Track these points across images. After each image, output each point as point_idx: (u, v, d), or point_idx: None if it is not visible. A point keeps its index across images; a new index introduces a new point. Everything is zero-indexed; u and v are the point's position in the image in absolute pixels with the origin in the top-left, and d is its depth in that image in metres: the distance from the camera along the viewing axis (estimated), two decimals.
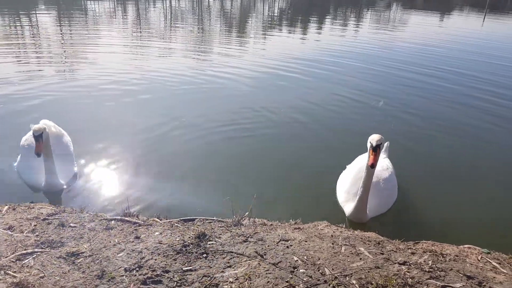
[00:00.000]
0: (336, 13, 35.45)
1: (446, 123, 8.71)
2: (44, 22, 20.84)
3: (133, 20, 25.06)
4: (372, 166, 4.63)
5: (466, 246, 4.27)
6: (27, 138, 5.81)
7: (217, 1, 41.69)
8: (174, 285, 3.06)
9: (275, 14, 33.94)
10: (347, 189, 5.32)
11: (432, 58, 15.58)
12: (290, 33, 22.34)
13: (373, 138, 4.71)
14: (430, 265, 3.54)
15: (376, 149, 4.65)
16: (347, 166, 5.91)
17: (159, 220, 4.26)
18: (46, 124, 5.93)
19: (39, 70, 11.36)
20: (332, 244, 3.79)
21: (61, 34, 17.85)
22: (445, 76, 12.69)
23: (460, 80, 12.37)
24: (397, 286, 3.12)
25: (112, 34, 18.74)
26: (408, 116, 8.98)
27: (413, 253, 3.78)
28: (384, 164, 5.60)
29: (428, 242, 4.33)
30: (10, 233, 3.72)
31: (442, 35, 22.79)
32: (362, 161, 5.60)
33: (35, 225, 3.89)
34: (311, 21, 28.68)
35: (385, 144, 6.08)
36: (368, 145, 4.71)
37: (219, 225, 4.18)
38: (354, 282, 3.18)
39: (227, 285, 3.07)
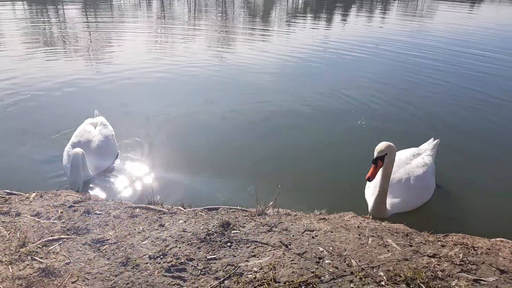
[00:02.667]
0: (362, 2, 34.85)
1: (481, 112, 8.46)
2: (71, 15, 21.12)
3: (158, 11, 25.19)
4: (368, 180, 4.45)
5: (498, 239, 4.12)
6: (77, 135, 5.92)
7: None
8: (198, 273, 3.03)
9: (300, 6, 33.61)
10: (374, 183, 5.20)
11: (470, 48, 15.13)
12: (314, 23, 22.07)
13: (376, 148, 4.54)
14: (461, 258, 3.42)
15: (376, 162, 4.49)
16: None
17: (183, 209, 4.24)
18: (101, 121, 6.08)
19: (69, 61, 11.52)
20: (359, 235, 3.71)
21: (87, 26, 18.05)
22: (486, 69, 12.25)
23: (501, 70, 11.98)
24: (426, 279, 3.03)
25: (137, 25, 18.88)
26: (445, 108, 8.73)
27: (443, 246, 3.67)
28: (422, 161, 5.36)
29: (459, 234, 4.19)
30: (37, 219, 3.75)
31: (474, 25, 22.14)
32: (397, 157, 5.45)
33: (61, 212, 3.92)
34: (336, 12, 28.26)
35: (434, 142, 5.86)
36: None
37: (243, 214, 4.13)
38: (381, 274, 3.09)
39: (251, 274, 3.03)
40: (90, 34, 16.11)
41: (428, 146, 5.85)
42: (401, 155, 5.50)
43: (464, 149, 6.88)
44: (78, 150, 5.15)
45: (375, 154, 4.50)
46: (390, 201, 5.01)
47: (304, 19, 23.97)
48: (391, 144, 4.58)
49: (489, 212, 5.21)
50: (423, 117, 8.19)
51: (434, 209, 5.22)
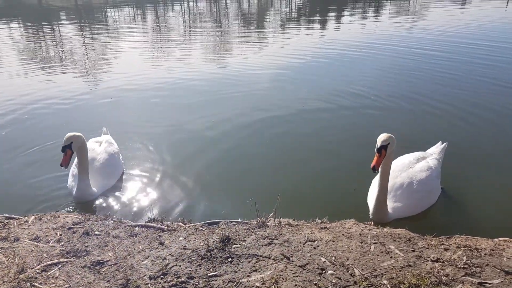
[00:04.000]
0: (355, 6, 34.93)
1: (485, 111, 8.41)
2: (66, 32, 21.20)
3: (153, 25, 25.29)
4: (373, 169, 4.42)
5: (501, 239, 4.08)
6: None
7: (234, 2, 41.69)
8: None
9: (294, 11, 33.71)
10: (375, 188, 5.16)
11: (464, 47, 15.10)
12: (308, 28, 22.12)
13: (379, 138, 4.55)
14: (464, 261, 3.39)
15: (380, 151, 4.48)
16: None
17: (183, 225, 4.22)
18: (106, 139, 6.09)
19: (64, 80, 11.54)
20: (361, 243, 3.67)
21: (83, 42, 18.11)
22: (488, 67, 12.15)
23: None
24: (431, 285, 2.99)
25: (133, 39, 18.96)
26: (449, 107, 8.66)
27: (446, 249, 3.63)
28: (426, 165, 5.29)
29: (461, 236, 4.15)
30: (36, 243, 3.73)
31: (466, 22, 22.15)
32: (399, 162, 5.41)
33: (60, 235, 3.90)
34: (330, 15, 28.33)
35: (442, 146, 5.79)
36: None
37: (244, 227, 4.10)
38: (385, 282, 3.06)
39: None
40: (86, 50, 16.17)
41: (435, 149, 5.77)
42: (405, 160, 5.45)
43: (473, 152, 6.78)
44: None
45: (379, 144, 4.50)
46: (392, 205, 4.96)
47: (298, 24, 24.06)
48: (389, 135, 4.58)
49: (493, 213, 5.15)
50: (429, 120, 8.12)
51: (436, 212, 5.17)
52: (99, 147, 6.04)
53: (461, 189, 5.69)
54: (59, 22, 26.04)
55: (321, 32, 20.33)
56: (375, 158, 4.46)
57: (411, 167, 5.27)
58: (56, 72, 12.58)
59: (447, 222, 4.98)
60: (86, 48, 16.60)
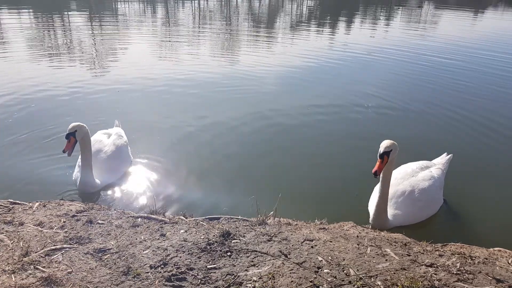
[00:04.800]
0: (366, 11, 34.97)
1: (484, 120, 8.46)
2: (77, 23, 21.33)
3: (162, 19, 25.40)
4: (375, 174, 4.44)
5: (496, 249, 4.16)
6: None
7: (245, 1, 41.76)
8: (198, 282, 3.08)
9: (304, 13, 33.77)
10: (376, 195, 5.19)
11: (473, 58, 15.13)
12: (318, 32, 22.18)
13: (382, 144, 4.58)
14: (458, 267, 3.46)
15: (382, 156, 4.51)
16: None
17: (184, 218, 4.30)
18: (116, 132, 6.14)
19: (72, 70, 11.64)
20: (358, 245, 3.75)
21: (93, 34, 18.23)
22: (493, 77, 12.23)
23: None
24: None
25: (143, 32, 19.06)
26: (459, 117, 8.71)
27: (440, 255, 3.70)
28: (429, 174, 5.30)
29: (457, 244, 4.22)
30: (40, 229, 3.82)
31: (478, 33, 22.15)
32: (402, 170, 5.44)
33: (64, 222, 3.99)
34: (340, 20, 28.37)
35: (448, 157, 5.80)
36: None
37: (244, 224, 4.19)
38: (379, 283, 3.13)
39: (250, 283, 3.08)
40: (95, 42, 16.28)
41: (441, 160, 5.78)
42: (408, 168, 5.46)
43: (480, 165, 6.80)
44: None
45: (381, 150, 4.53)
46: (392, 212, 4.98)
47: (308, 26, 24.13)
48: (394, 142, 4.61)
49: (492, 226, 5.19)
50: (434, 130, 8.16)
51: (436, 222, 5.22)
52: (107, 139, 6.11)
53: (463, 200, 5.72)
54: (69, 12, 26.17)
55: (331, 35, 20.37)
56: (377, 163, 4.49)
57: (414, 175, 5.28)
58: (64, 61, 12.70)
59: (444, 231, 5.04)
60: (94, 39, 16.71)
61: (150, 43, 16.63)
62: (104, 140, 6.04)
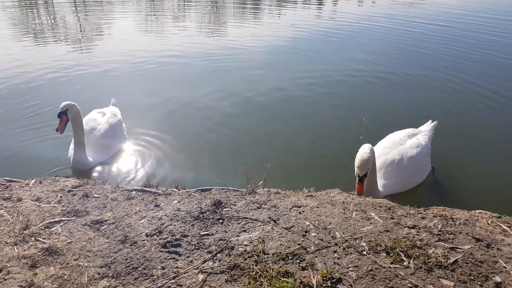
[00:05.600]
0: None
1: (471, 85, 8.62)
2: (60, 3, 21.01)
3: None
4: (359, 194, 4.45)
5: (477, 211, 4.34)
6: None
7: None
8: (192, 248, 3.24)
9: None
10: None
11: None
12: (305, 5, 22.06)
13: (357, 165, 4.52)
14: (439, 228, 3.64)
15: (362, 180, 4.50)
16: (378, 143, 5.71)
17: (177, 190, 4.45)
18: (110, 111, 6.21)
19: (58, 49, 11.58)
20: (343, 210, 3.92)
21: (76, 13, 18.01)
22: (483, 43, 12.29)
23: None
24: (405, 248, 3.24)
25: (127, 9, 18.85)
26: (448, 83, 8.84)
27: (423, 218, 3.88)
28: (416, 141, 5.40)
29: (439, 207, 4.40)
30: (38, 204, 3.94)
31: None
32: (390, 138, 5.54)
33: (61, 197, 4.11)
34: None
35: (432, 124, 5.90)
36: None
37: (235, 194, 4.34)
38: (363, 244, 3.31)
39: (242, 247, 3.24)
40: (79, 19, 16.15)
41: (426, 127, 5.88)
42: (395, 136, 5.55)
43: (462, 131, 6.98)
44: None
45: (359, 172, 4.51)
46: (382, 182, 5.10)
47: (295, 1, 23.94)
48: (369, 155, 4.56)
49: (474, 188, 5.39)
50: (422, 99, 8.30)
51: (422, 188, 5.40)
52: (102, 117, 6.20)
53: (448, 167, 5.92)
54: None
55: (319, 4, 20.29)
56: (357, 185, 4.51)
57: (402, 144, 5.38)
58: (49, 41, 12.64)
59: (429, 197, 5.24)
60: (78, 16, 16.56)
61: (135, 18, 16.57)
62: (98, 118, 6.14)
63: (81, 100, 6.72)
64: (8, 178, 4.66)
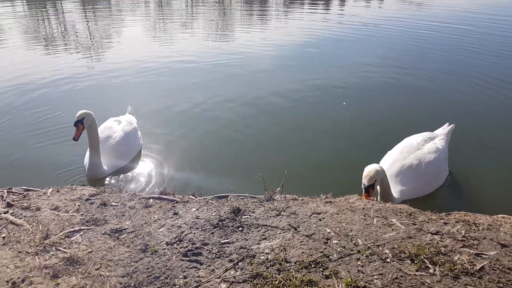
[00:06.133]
0: None
1: (487, 88, 8.50)
2: (69, 10, 21.19)
3: (155, 1, 25.21)
4: None
5: (500, 216, 4.26)
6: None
7: None
8: (214, 256, 3.21)
9: None
10: (386, 169, 5.20)
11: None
12: (313, 5, 22.04)
13: (365, 175, 4.49)
14: (463, 234, 3.57)
15: (368, 190, 4.45)
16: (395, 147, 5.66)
17: (194, 198, 4.42)
18: (126, 119, 6.21)
19: (70, 58, 11.66)
20: (364, 216, 3.87)
21: (86, 21, 18.15)
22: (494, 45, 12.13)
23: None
24: (430, 255, 3.18)
25: (136, 18, 18.96)
26: (463, 86, 8.73)
27: (445, 223, 3.82)
28: (434, 146, 5.33)
29: (461, 212, 4.33)
30: (57, 213, 3.93)
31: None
32: (406, 143, 5.47)
33: (79, 205, 4.10)
34: None
35: (449, 127, 5.82)
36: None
37: (252, 200, 4.31)
38: (387, 251, 3.26)
39: (263, 255, 3.20)
40: (89, 29, 16.24)
41: (443, 131, 5.80)
42: (412, 140, 5.48)
43: (480, 134, 6.87)
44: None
45: (365, 182, 4.47)
46: (399, 188, 5.02)
47: (302, 5, 23.93)
48: (377, 168, 4.53)
49: (495, 194, 5.30)
50: (438, 101, 8.19)
51: (441, 193, 5.32)
52: (117, 125, 6.22)
53: (466, 171, 5.82)
54: (62, 2, 25.97)
55: (326, 8, 20.27)
56: (363, 196, 4.46)
57: (419, 148, 5.31)
58: (60, 49, 12.71)
59: (448, 201, 5.17)
60: (88, 25, 16.67)
61: (145, 25, 16.62)
62: (114, 126, 6.15)
63: (96, 108, 6.76)
64: (25, 187, 4.67)
